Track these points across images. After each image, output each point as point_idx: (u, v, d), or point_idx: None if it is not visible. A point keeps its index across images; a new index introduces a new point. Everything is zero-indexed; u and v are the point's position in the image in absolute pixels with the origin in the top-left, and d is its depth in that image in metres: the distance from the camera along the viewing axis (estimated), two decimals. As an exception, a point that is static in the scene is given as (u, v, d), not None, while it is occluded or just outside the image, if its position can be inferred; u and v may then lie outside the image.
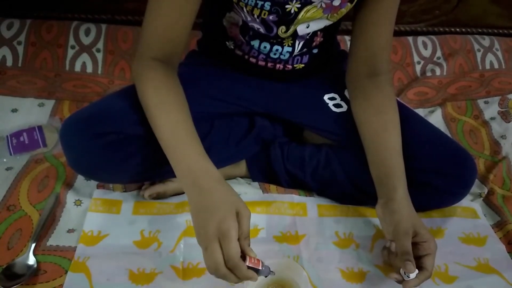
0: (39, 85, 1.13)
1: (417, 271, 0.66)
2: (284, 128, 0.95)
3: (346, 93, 0.88)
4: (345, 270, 0.76)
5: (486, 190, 0.94)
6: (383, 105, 0.81)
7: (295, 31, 0.79)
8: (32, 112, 1.05)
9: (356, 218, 0.86)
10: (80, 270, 0.72)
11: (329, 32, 0.85)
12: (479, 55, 1.36)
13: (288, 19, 0.76)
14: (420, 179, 0.79)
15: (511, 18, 1.44)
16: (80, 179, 0.89)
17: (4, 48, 1.17)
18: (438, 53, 1.35)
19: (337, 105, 0.89)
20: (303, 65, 0.87)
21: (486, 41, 1.39)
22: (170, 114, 0.69)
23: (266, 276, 0.63)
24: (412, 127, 0.82)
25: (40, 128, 0.98)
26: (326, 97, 0.90)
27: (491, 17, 1.43)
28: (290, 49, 0.82)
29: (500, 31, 1.47)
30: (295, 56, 0.85)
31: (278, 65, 0.86)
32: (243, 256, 0.60)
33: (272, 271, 0.63)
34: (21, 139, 0.95)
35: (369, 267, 0.77)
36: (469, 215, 0.89)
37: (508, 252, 0.82)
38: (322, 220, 0.85)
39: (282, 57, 0.84)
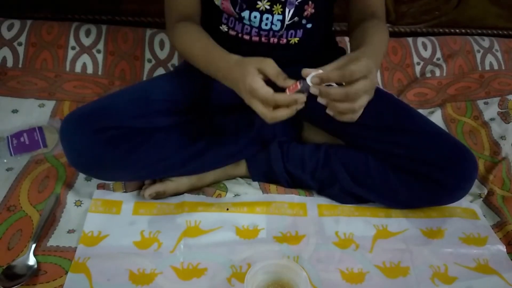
0: (39, 85, 1.13)
1: (315, 74, 0.65)
2: (284, 127, 0.95)
3: None
4: (344, 271, 0.76)
5: (485, 191, 0.94)
6: (374, 26, 0.82)
7: None
8: (32, 112, 1.05)
9: (356, 218, 0.86)
10: (80, 271, 0.72)
11: (321, 4, 0.85)
12: (478, 56, 1.36)
13: None
14: (421, 170, 0.79)
15: (511, 19, 1.44)
16: (80, 179, 0.89)
17: (5, 49, 1.18)
18: (438, 54, 1.35)
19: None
20: (297, 39, 0.86)
21: (485, 42, 1.39)
22: (200, 41, 0.81)
23: (306, 91, 0.67)
24: (412, 121, 0.83)
25: (40, 128, 0.98)
26: None
27: (491, 18, 1.43)
28: (280, 17, 0.82)
29: (500, 32, 1.46)
30: (288, 28, 0.84)
31: (272, 39, 0.85)
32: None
33: (307, 82, 0.66)
34: (22, 139, 0.95)
35: (369, 268, 0.77)
36: (468, 216, 0.89)
37: (508, 253, 0.82)
38: (322, 220, 0.85)
39: (274, 27, 0.83)
